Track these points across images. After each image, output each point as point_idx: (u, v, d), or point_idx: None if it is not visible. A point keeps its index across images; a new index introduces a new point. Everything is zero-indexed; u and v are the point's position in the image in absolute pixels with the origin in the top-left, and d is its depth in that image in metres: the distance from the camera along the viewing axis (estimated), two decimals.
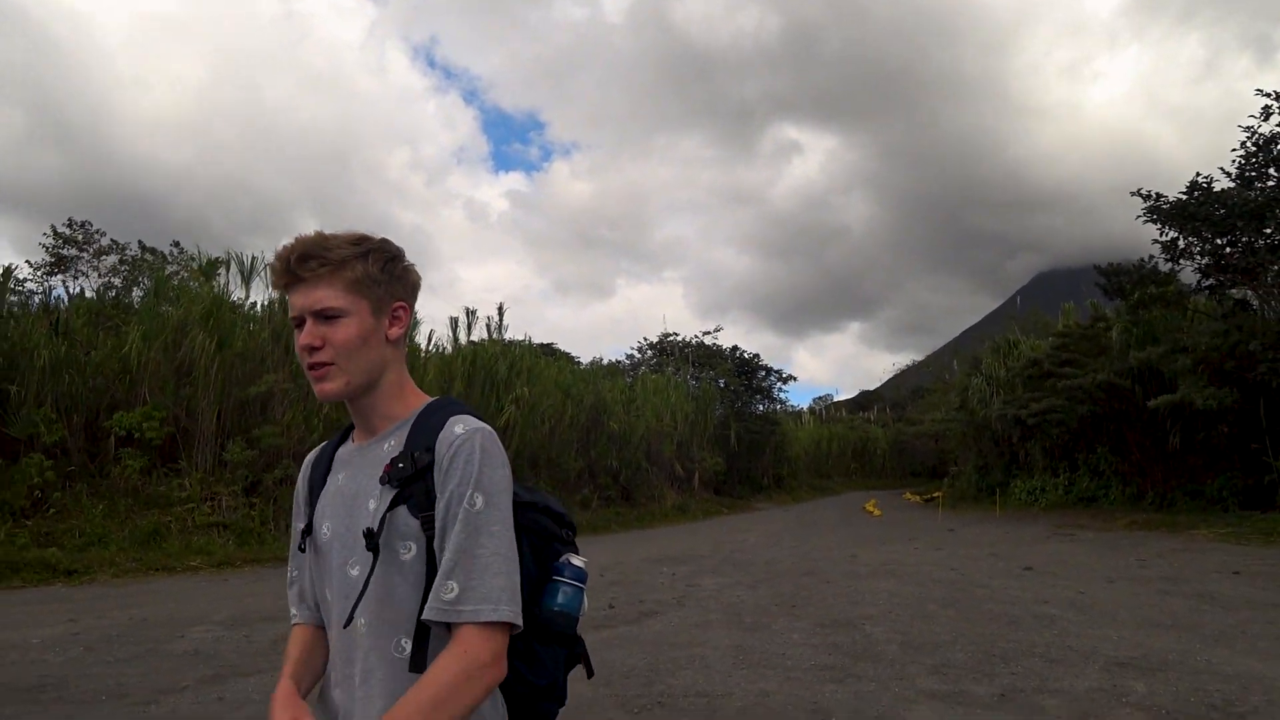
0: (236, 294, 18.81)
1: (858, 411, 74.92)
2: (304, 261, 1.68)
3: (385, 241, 1.79)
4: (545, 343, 31.60)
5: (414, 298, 1.83)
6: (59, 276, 20.55)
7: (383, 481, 1.69)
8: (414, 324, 21.54)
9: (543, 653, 1.72)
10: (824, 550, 17.62)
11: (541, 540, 1.78)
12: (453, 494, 1.62)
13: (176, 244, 22.47)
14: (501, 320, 23.04)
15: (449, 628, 1.58)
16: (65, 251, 20.82)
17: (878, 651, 7.91)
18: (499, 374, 19.97)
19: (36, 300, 18.24)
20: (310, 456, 1.93)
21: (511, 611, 1.58)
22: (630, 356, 38.15)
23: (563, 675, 1.79)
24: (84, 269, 20.95)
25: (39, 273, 20.54)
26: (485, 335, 23.24)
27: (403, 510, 1.65)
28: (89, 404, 16.42)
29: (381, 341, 1.74)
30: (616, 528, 22.82)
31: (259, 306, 18.83)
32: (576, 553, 1.82)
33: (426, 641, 1.62)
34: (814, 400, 76.87)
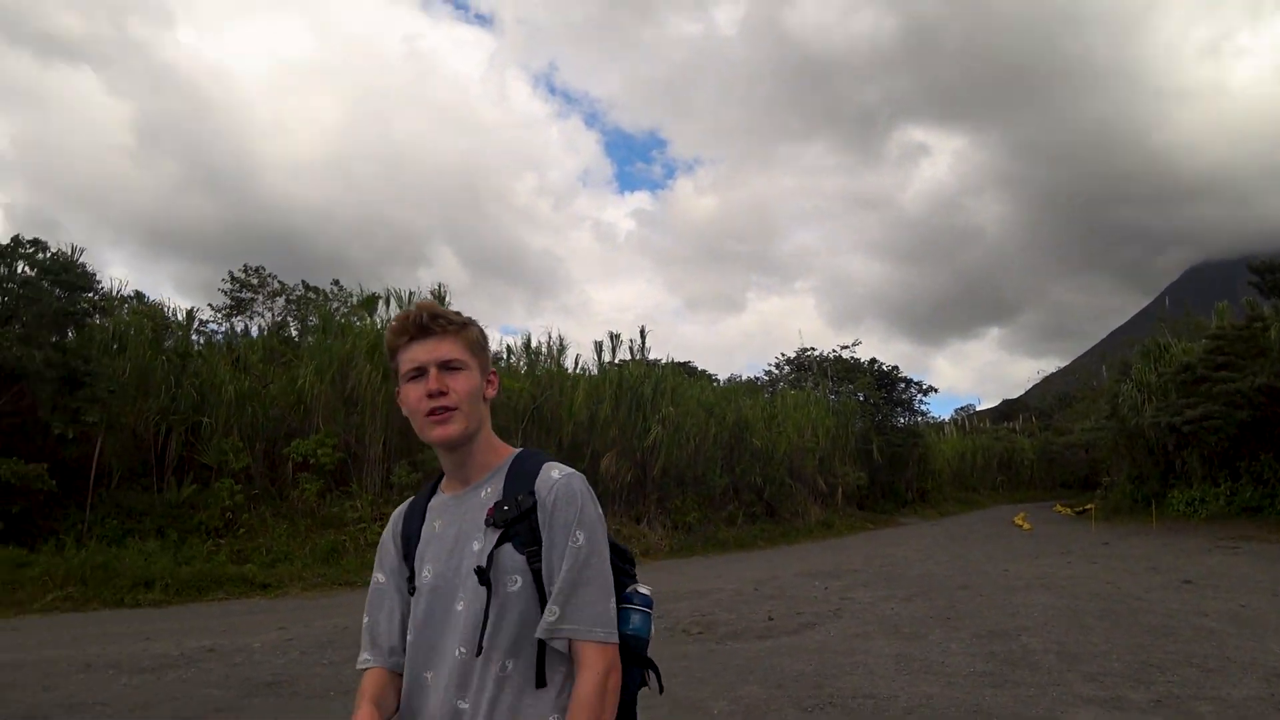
0: None
1: (1001, 421, 72.89)
2: (435, 319, 1.92)
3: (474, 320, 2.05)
4: (682, 361, 32.13)
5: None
6: (239, 317, 22.20)
7: (487, 524, 1.88)
8: (561, 348, 22.54)
9: (625, 673, 1.89)
10: (975, 564, 17.49)
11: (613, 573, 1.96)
12: (558, 533, 1.84)
13: (336, 282, 23.95)
14: (644, 342, 23.70)
15: (567, 646, 1.82)
16: (242, 295, 22.55)
17: (1035, 660, 8.05)
18: (644, 395, 20.55)
19: (220, 339, 19.69)
20: (400, 510, 2.12)
21: (613, 633, 1.84)
22: (768, 372, 38.34)
23: (633, 694, 1.96)
24: (259, 309, 22.62)
25: (220, 314, 22.25)
26: (629, 356, 23.96)
27: (508, 548, 1.85)
28: (268, 433, 17.71)
29: (482, 399, 1.96)
30: (763, 544, 23.04)
31: None
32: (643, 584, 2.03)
33: (544, 660, 1.83)
34: (955, 411, 75.21)
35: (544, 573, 1.83)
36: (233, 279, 22.57)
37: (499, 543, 1.85)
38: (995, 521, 32.73)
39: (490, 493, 1.92)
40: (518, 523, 1.85)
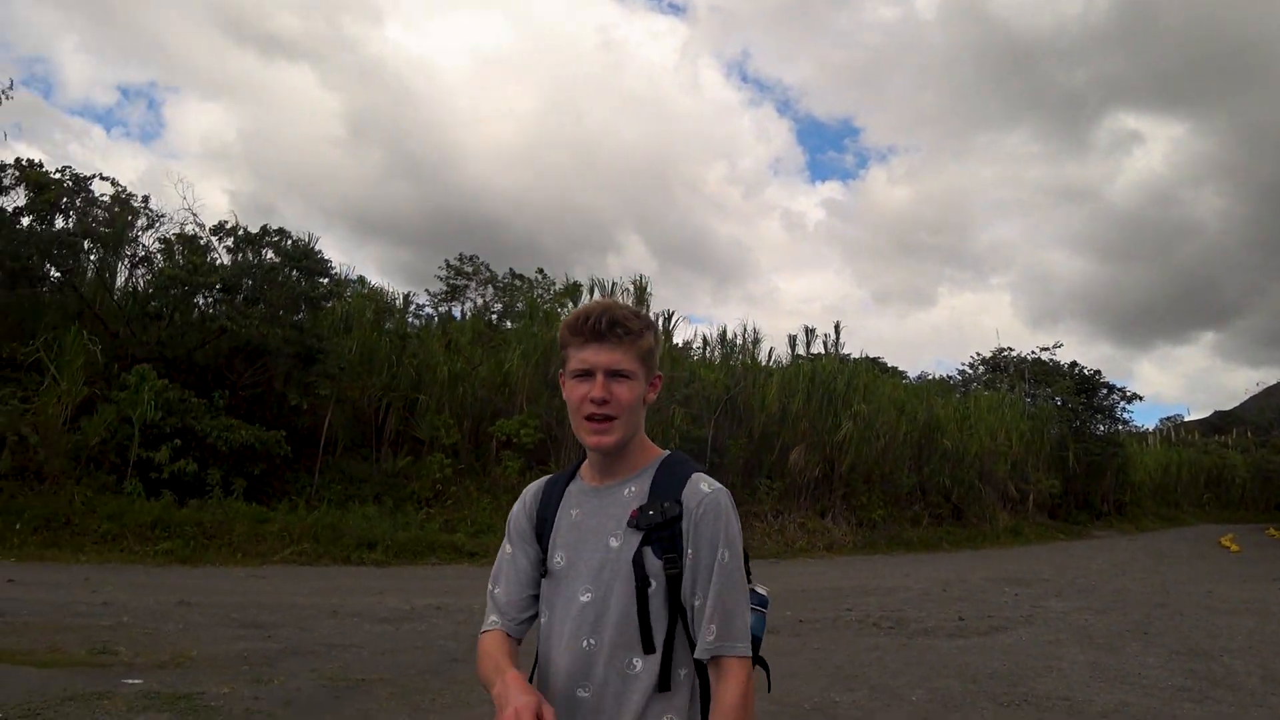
0: None
1: (1212, 434, 68.40)
2: (613, 326, 1.92)
3: (653, 320, 2.07)
4: (873, 356, 31.79)
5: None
6: (452, 302, 23.58)
7: (630, 525, 1.92)
8: (756, 340, 22.79)
9: None
10: (1176, 583, 16.78)
11: None
12: (704, 548, 1.87)
13: (540, 271, 25.04)
14: (838, 337, 23.70)
15: (711, 659, 1.88)
16: (457, 282, 23.97)
17: (1237, 681, 7.85)
18: (837, 390, 20.60)
19: (435, 323, 20.95)
20: (533, 488, 2.15)
21: (748, 646, 1.90)
22: (961, 372, 37.39)
23: None
24: (471, 295, 23.97)
25: (435, 299, 23.71)
26: (821, 350, 24.02)
27: (648, 551, 1.88)
28: (475, 411, 18.77)
29: (642, 404, 1.98)
30: (948, 546, 22.70)
31: None
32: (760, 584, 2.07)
33: (670, 666, 1.88)
34: (1161, 420, 71.05)
35: (685, 584, 1.88)
36: (449, 266, 24.04)
37: (643, 544, 1.89)
38: (1199, 540, 31.00)
39: (633, 493, 1.95)
40: (661, 529, 1.89)
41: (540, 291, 23.25)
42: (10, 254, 14.65)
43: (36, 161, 15.74)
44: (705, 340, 21.93)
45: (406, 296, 21.24)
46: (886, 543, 21.44)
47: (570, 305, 22.00)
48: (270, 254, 16.43)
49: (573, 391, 1.95)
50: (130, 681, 6.09)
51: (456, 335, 19.77)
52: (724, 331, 22.04)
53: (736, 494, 18.36)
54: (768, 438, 20.10)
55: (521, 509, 2.12)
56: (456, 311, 23.22)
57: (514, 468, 17.96)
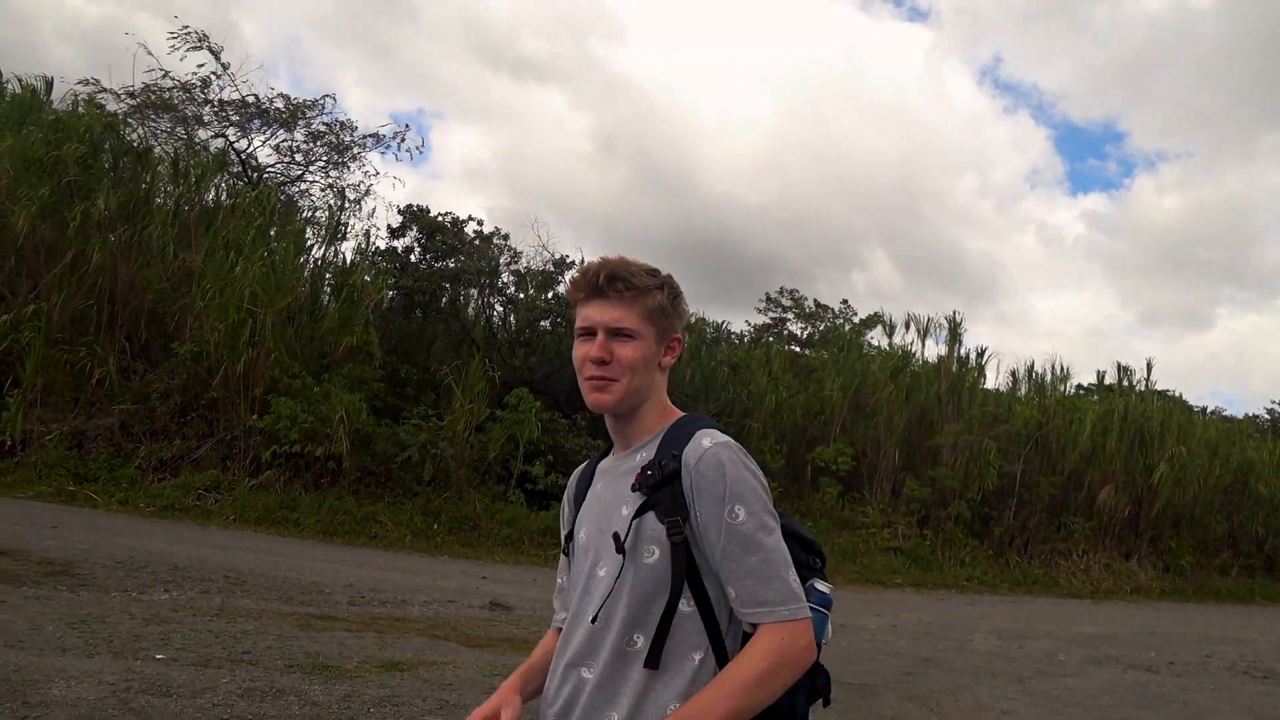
0: (915, 349, 21.46)
1: None
2: (612, 281, 1.85)
3: (672, 278, 1.94)
4: (1160, 390, 30.76)
5: (684, 330, 1.99)
6: (770, 335, 24.97)
7: (633, 489, 1.81)
8: (1065, 376, 22.78)
9: None
10: None
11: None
12: (709, 508, 1.73)
13: (845, 302, 26.20)
14: (1149, 374, 23.35)
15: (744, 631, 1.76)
16: (774, 314, 25.47)
17: None
18: (1151, 430, 20.43)
19: (756, 351, 22.30)
20: (577, 471, 2.10)
21: (803, 606, 1.72)
22: (1271, 411, 35.43)
23: (802, 702, 1.83)
24: (792, 328, 25.33)
25: (755, 331, 25.17)
26: (1118, 382, 23.68)
27: (650, 516, 1.77)
28: (792, 438, 19.91)
29: (655, 366, 1.88)
30: (1261, 599, 21.93)
31: (926, 361, 21.26)
32: (823, 579, 1.87)
33: (665, 641, 1.75)
34: None
35: (706, 552, 1.75)
36: (769, 300, 25.54)
37: (642, 510, 1.79)
38: None
39: (644, 456, 1.87)
40: (661, 489, 1.77)
41: (842, 321, 24.35)
42: (416, 289, 16.99)
43: (424, 207, 18.11)
44: (1014, 376, 22.14)
45: (719, 325, 22.80)
46: (1194, 590, 20.98)
47: (872, 336, 23.03)
48: None
49: (576, 352, 1.90)
50: None
51: (776, 364, 20.98)
52: (1031, 366, 22.24)
53: (1041, 530, 18.47)
54: (1077, 474, 20.20)
55: (567, 491, 2.10)
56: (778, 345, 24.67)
57: (832, 493, 18.96)
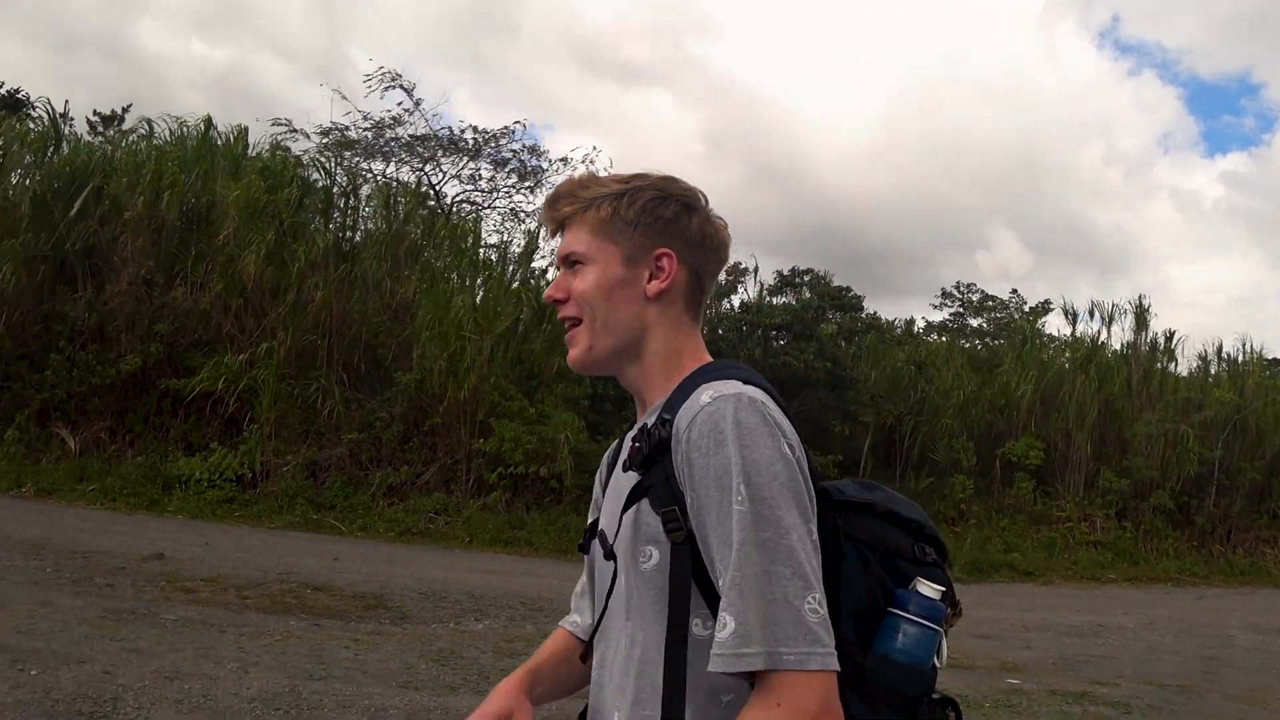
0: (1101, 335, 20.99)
1: None
2: (554, 202, 1.52)
3: (666, 181, 1.53)
4: None
5: (701, 252, 1.51)
6: (948, 331, 24.83)
7: (624, 468, 1.41)
8: (1261, 355, 21.95)
9: (863, 712, 1.26)
10: None
11: (877, 555, 1.34)
12: (706, 495, 1.26)
13: (1014, 291, 25.74)
14: None
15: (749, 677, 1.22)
16: (950, 309, 25.34)
17: None
18: None
19: (942, 348, 22.12)
20: (609, 450, 1.67)
21: (820, 654, 1.19)
22: None
23: None
24: (970, 322, 25.20)
25: (927, 327, 25.12)
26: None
27: (644, 505, 1.34)
28: (980, 434, 19.63)
29: (637, 297, 1.46)
30: None
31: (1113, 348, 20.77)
32: (938, 577, 1.36)
33: (681, 682, 1.28)
34: None
35: (702, 550, 1.27)
36: (944, 294, 25.37)
37: (635, 496, 1.36)
38: None
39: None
40: (652, 466, 1.33)
41: (1013, 310, 23.98)
42: None
43: None
44: (1202, 356, 21.44)
45: (910, 322, 22.81)
46: None
47: (1040, 324, 22.62)
48: (807, 292, 18.19)
49: None
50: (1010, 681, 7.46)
51: (957, 359, 20.73)
52: (1220, 346, 21.46)
53: (1244, 518, 17.89)
54: (1278, 459, 19.47)
55: (597, 479, 1.68)
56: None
57: (1027, 488, 18.62)
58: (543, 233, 18.11)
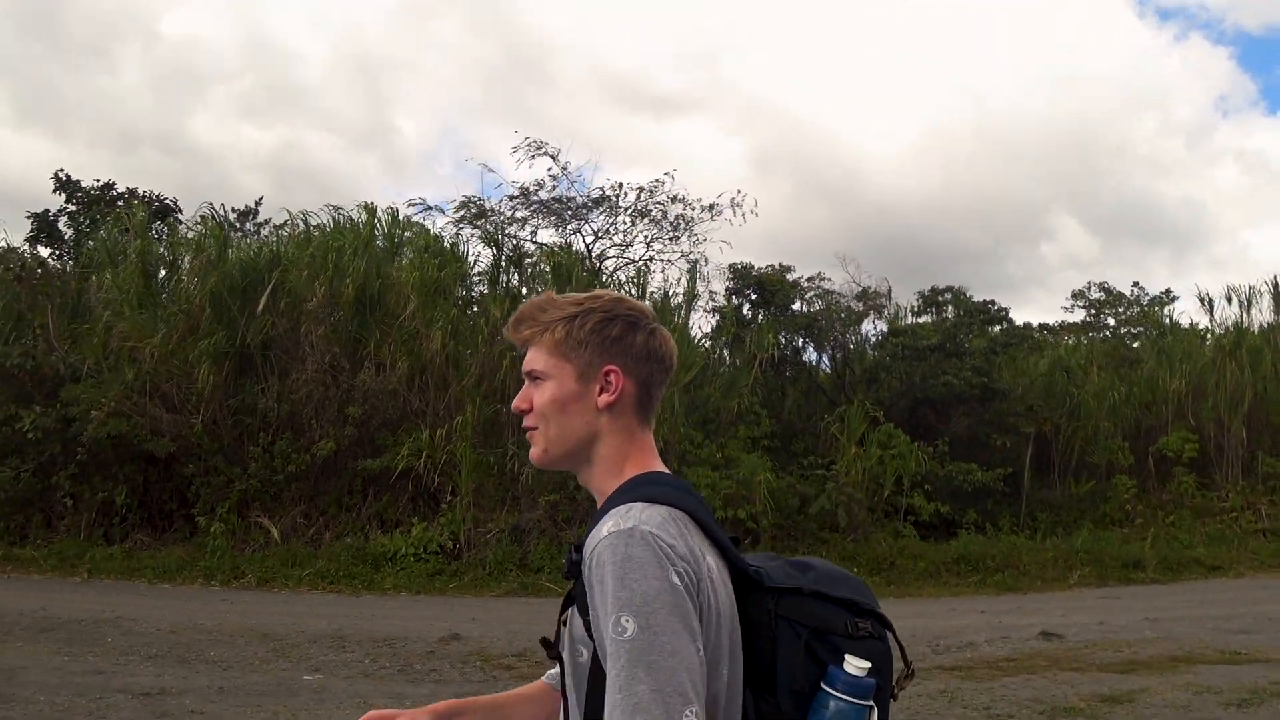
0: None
1: None
2: (517, 324, 1.70)
3: (615, 302, 1.69)
4: None
5: (647, 365, 1.67)
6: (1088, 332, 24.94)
7: (563, 575, 1.62)
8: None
9: None
10: None
11: (807, 633, 1.47)
12: (602, 614, 1.40)
13: (1135, 284, 25.81)
14: None
15: None
16: (1082, 308, 25.49)
17: None
18: None
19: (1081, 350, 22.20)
20: None
21: None
22: None
23: None
24: (1106, 319, 25.27)
25: (1062, 329, 25.17)
26: None
27: (574, 610, 1.52)
28: (1131, 432, 19.60)
29: (589, 409, 1.63)
30: None
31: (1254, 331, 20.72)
32: (873, 653, 1.48)
33: None
34: None
35: (601, 661, 1.43)
36: (1075, 295, 25.57)
37: (567, 603, 1.55)
38: None
39: None
40: (577, 579, 1.51)
41: (1137, 304, 24.08)
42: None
43: (749, 264, 18.63)
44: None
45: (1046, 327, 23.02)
46: None
47: (1169, 312, 22.64)
48: (955, 309, 18.34)
49: None
50: None
51: (1097, 359, 20.77)
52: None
53: None
54: None
55: None
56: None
57: (1188, 483, 18.56)
58: (704, 281, 18.60)
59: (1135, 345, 22.68)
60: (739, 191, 17.83)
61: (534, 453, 1.68)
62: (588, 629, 1.45)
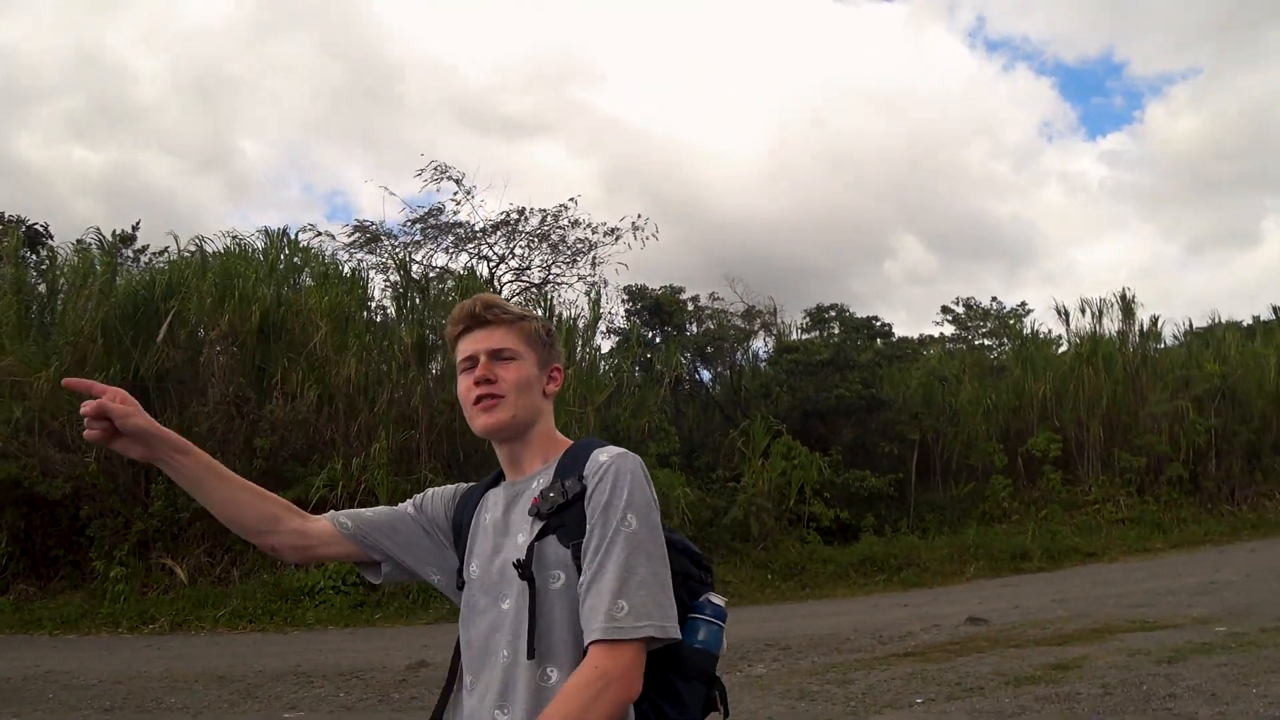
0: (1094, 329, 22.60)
1: None
2: (489, 308, 1.92)
3: (540, 316, 2.06)
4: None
5: (563, 370, 2.04)
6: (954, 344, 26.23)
7: (531, 514, 1.80)
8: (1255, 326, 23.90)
9: (683, 689, 1.76)
10: None
11: (681, 580, 1.82)
12: (606, 516, 1.71)
13: (994, 298, 27.41)
14: None
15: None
16: (969, 323, 26.85)
17: None
18: None
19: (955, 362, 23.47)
20: (460, 489, 2.10)
21: (668, 626, 1.68)
22: None
23: (700, 716, 1.81)
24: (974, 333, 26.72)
25: (949, 340, 26.46)
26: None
27: (552, 540, 1.75)
28: (1001, 434, 20.90)
29: (538, 394, 1.93)
30: None
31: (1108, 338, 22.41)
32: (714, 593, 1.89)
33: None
34: None
35: (584, 562, 1.72)
36: (944, 310, 26.88)
37: (542, 534, 1.77)
38: None
39: (541, 483, 1.86)
40: (564, 511, 1.77)
41: (993, 316, 25.69)
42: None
43: (643, 286, 19.03)
44: (1178, 337, 23.39)
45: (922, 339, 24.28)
46: None
47: (1031, 323, 24.32)
48: (838, 327, 19.20)
49: (460, 385, 1.95)
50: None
51: (969, 369, 22.06)
52: (1190, 324, 23.45)
53: (1242, 478, 19.54)
54: (1266, 418, 21.37)
55: (445, 502, 2.08)
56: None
57: (1055, 479, 19.94)
58: (605, 304, 18.76)
59: (993, 355, 24.26)
60: (639, 215, 18.17)
61: (497, 417, 1.88)
62: (575, 554, 1.73)
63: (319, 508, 9.69)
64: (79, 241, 16.23)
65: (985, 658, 8.67)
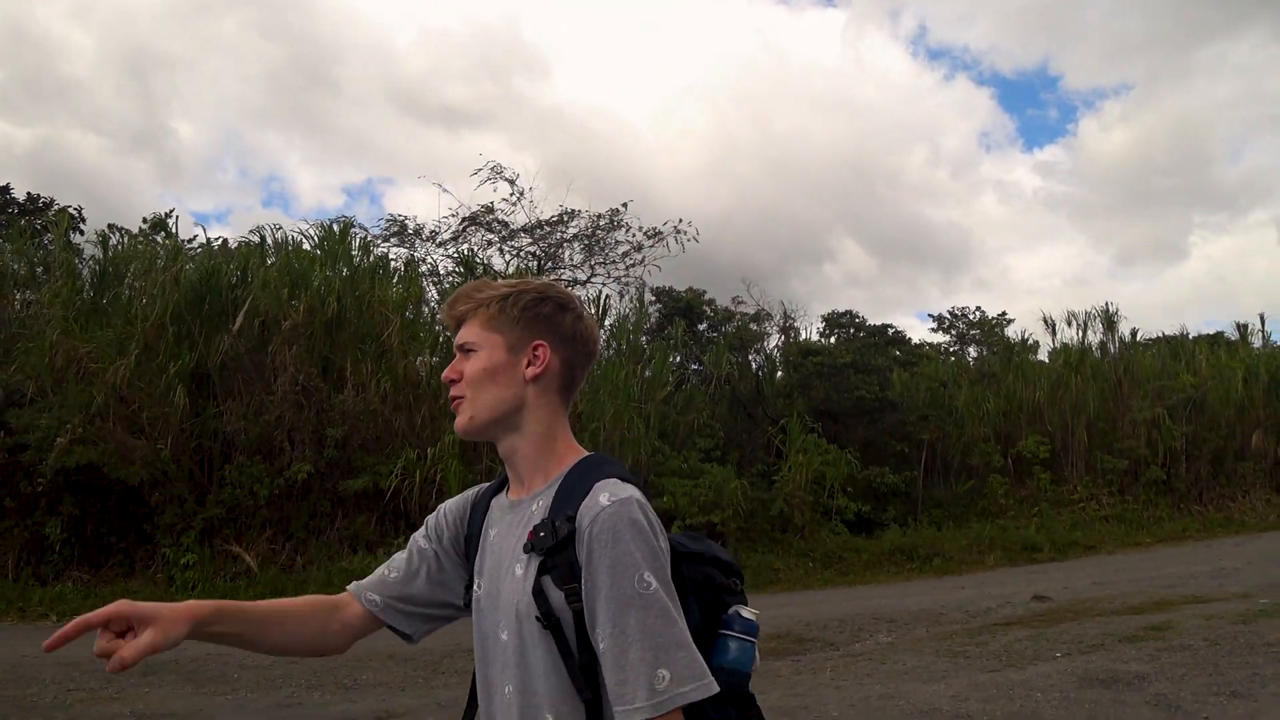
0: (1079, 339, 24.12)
1: None
2: (454, 303, 1.80)
3: (546, 286, 1.82)
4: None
5: (573, 345, 1.79)
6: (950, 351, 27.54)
7: (525, 550, 1.65)
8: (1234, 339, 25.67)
9: (714, 714, 1.61)
10: None
11: (709, 593, 1.73)
12: (617, 576, 1.54)
13: (978, 308, 28.83)
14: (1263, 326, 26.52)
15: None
16: (943, 329, 28.16)
17: None
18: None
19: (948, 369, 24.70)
20: (469, 498, 1.93)
21: (709, 682, 1.54)
22: None
23: None
24: (970, 342, 28.06)
25: (945, 346, 27.78)
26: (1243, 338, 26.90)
27: (548, 581, 1.61)
28: (994, 437, 22.20)
29: (517, 380, 1.73)
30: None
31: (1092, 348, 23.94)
32: (745, 603, 1.76)
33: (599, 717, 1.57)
34: None
35: (586, 619, 1.56)
36: (934, 318, 28.23)
37: (540, 572, 1.62)
38: None
39: (540, 508, 1.68)
40: (556, 553, 1.60)
41: (985, 326, 27.24)
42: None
43: (669, 287, 19.85)
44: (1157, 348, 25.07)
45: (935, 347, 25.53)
46: None
47: (1006, 332, 25.78)
48: (855, 331, 20.28)
49: None
50: None
51: (963, 375, 23.37)
52: (1162, 334, 25.12)
53: (1210, 481, 21.23)
54: (1229, 424, 23.09)
55: (454, 514, 1.91)
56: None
57: (1045, 479, 21.30)
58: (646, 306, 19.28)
59: (972, 361, 25.72)
60: (680, 219, 18.95)
61: (459, 421, 1.75)
62: (569, 598, 1.57)
63: (392, 498, 9.93)
64: (143, 224, 16.37)
65: (1082, 624, 9.67)
